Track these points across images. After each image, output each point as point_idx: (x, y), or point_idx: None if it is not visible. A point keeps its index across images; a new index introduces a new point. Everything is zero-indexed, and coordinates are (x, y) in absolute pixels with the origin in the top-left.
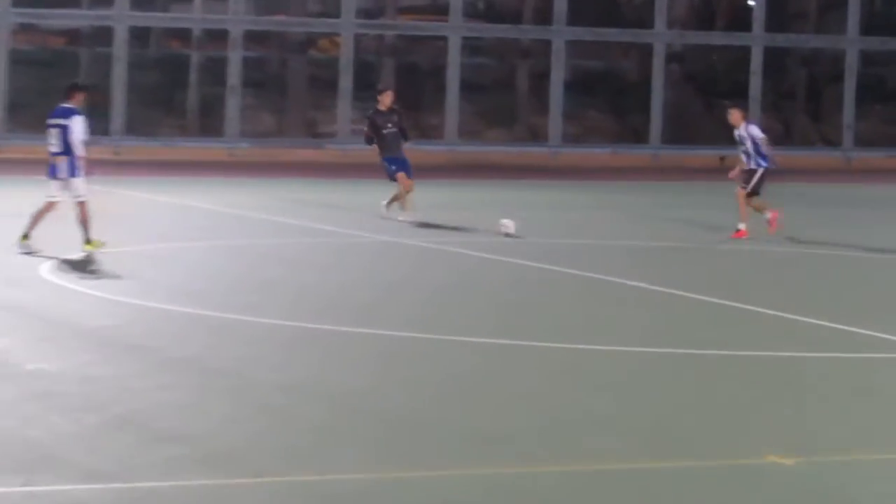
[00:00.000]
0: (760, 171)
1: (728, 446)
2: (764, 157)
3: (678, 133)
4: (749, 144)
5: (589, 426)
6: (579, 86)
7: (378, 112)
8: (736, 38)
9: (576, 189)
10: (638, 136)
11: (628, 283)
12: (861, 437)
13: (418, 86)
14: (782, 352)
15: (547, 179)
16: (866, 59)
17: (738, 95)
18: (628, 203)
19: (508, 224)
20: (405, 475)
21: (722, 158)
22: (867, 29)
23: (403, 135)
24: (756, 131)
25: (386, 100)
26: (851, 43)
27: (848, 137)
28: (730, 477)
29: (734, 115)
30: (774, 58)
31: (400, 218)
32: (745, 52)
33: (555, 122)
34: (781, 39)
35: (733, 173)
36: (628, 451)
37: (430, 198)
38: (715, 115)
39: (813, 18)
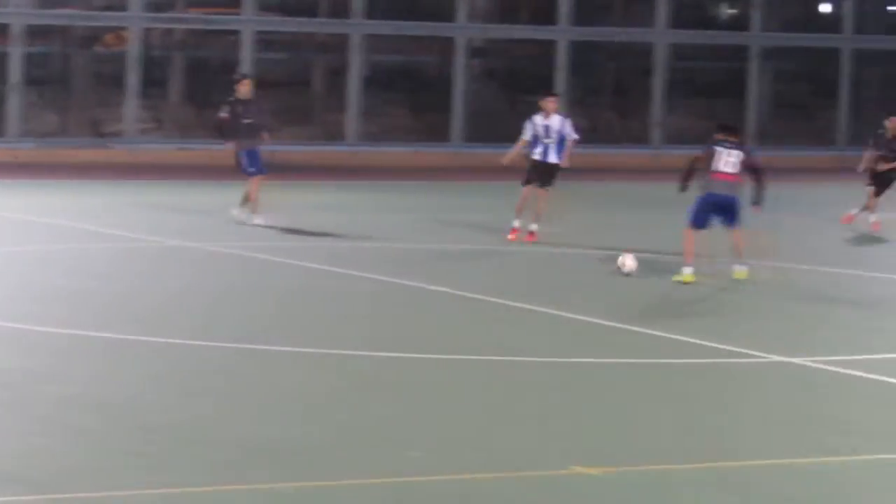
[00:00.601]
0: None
1: (533, 457)
2: (561, 154)
3: (481, 130)
4: (555, 138)
5: (387, 437)
6: (378, 82)
7: (238, 101)
8: (541, 32)
9: (375, 189)
10: (439, 133)
11: (428, 287)
12: (667, 446)
13: (209, 82)
14: (586, 358)
15: (344, 180)
16: (676, 53)
17: (544, 91)
18: (428, 204)
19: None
20: (180, 491)
21: (525, 156)
22: (676, 22)
23: (263, 127)
24: (570, 129)
25: (243, 89)
26: (660, 36)
27: (657, 134)
28: (535, 489)
29: (553, 104)
30: (581, 52)
31: (254, 221)
32: (550, 46)
33: (352, 119)
34: (588, 33)
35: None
36: (429, 464)
37: (217, 200)
38: (519, 112)
39: (620, 11)
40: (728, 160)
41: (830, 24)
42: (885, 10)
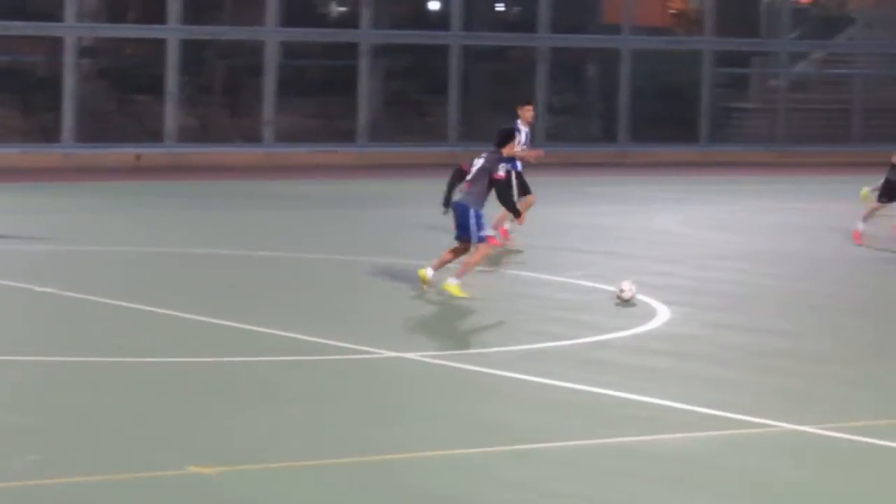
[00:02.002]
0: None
1: (148, 458)
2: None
3: (92, 131)
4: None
5: (2, 440)
6: None
7: None
8: (151, 31)
9: None
10: (49, 134)
11: (35, 288)
12: (282, 443)
13: None
14: (202, 357)
15: None
16: (287, 51)
17: (155, 90)
18: (37, 205)
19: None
20: None
21: (138, 157)
22: (287, 20)
23: None
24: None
25: None
26: (271, 34)
27: (268, 132)
28: (150, 490)
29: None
30: (191, 51)
31: None
32: (160, 45)
33: None
34: (198, 31)
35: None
36: (44, 468)
37: None
38: (129, 112)
39: (231, 10)
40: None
41: (440, 20)
42: (493, 7)
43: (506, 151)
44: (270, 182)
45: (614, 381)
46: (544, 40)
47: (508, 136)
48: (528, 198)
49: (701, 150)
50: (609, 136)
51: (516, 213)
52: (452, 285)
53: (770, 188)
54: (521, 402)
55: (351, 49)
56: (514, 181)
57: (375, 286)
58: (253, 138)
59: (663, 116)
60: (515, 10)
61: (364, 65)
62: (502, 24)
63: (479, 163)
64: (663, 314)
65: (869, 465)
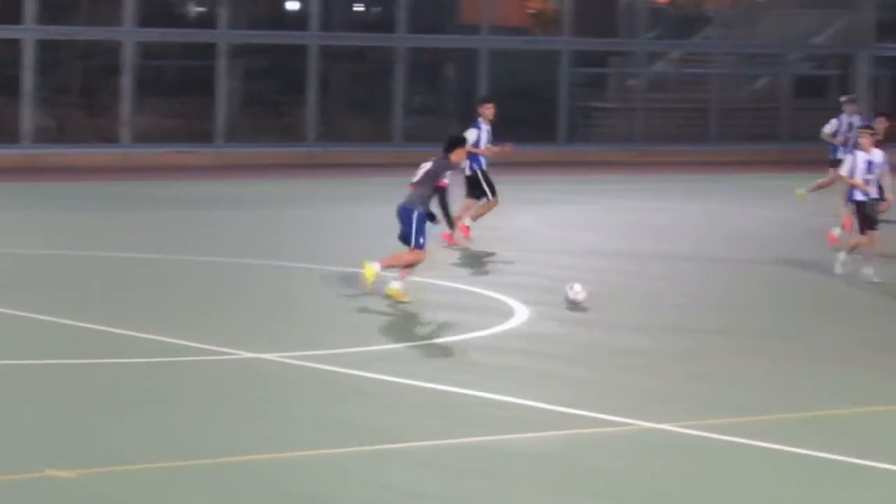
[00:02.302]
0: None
1: (5, 461)
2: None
3: None
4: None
5: None
6: None
7: None
8: (7, 32)
9: None
10: None
11: None
12: (142, 445)
13: None
14: (61, 359)
15: None
16: (144, 51)
17: (11, 91)
18: None
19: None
20: None
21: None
22: (144, 20)
23: None
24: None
25: None
26: (128, 35)
27: (126, 133)
28: (7, 493)
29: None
30: (48, 51)
31: None
32: (16, 45)
33: None
34: (54, 31)
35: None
36: None
37: None
38: None
39: (87, 10)
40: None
41: (298, 21)
42: (351, 7)
43: (454, 158)
44: (128, 183)
45: (474, 381)
46: (403, 40)
47: (455, 142)
48: (493, 199)
49: (559, 150)
50: None
51: (450, 225)
52: (394, 289)
53: (628, 187)
54: (380, 401)
55: (209, 49)
56: (482, 178)
57: (235, 287)
58: (110, 139)
59: (522, 116)
60: (374, 10)
61: (222, 65)
62: (361, 24)
63: (425, 167)
64: (522, 313)
65: (727, 462)
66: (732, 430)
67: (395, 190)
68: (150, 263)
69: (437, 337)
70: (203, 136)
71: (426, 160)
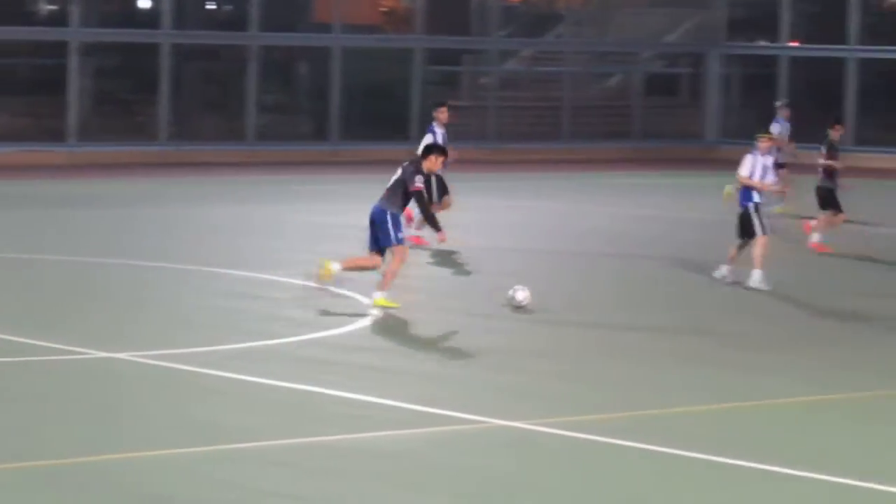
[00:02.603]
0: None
1: None
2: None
3: None
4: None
5: None
6: None
7: None
8: None
9: None
10: None
11: None
12: None
13: None
14: None
15: None
16: None
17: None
18: None
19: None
20: None
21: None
22: None
23: None
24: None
25: None
26: None
27: None
28: None
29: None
30: None
31: None
32: None
33: None
34: None
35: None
36: None
37: None
38: None
39: None
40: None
41: (150, 19)
42: (204, 5)
43: (426, 165)
44: None
45: (329, 380)
46: (255, 39)
47: (430, 150)
48: (446, 199)
49: (412, 148)
50: (320, 134)
51: (436, 228)
52: (380, 299)
53: (480, 186)
54: (233, 401)
55: (60, 48)
56: (434, 181)
57: (88, 287)
58: None
59: (375, 114)
60: (226, 8)
61: (74, 63)
62: (213, 22)
63: (397, 173)
64: (375, 311)
65: (582, 460)
66: (588, 427)
67: (248, 188)
68: (2, 263)
69: (292, 335)
70: (55, 135)
71: (401, 164)
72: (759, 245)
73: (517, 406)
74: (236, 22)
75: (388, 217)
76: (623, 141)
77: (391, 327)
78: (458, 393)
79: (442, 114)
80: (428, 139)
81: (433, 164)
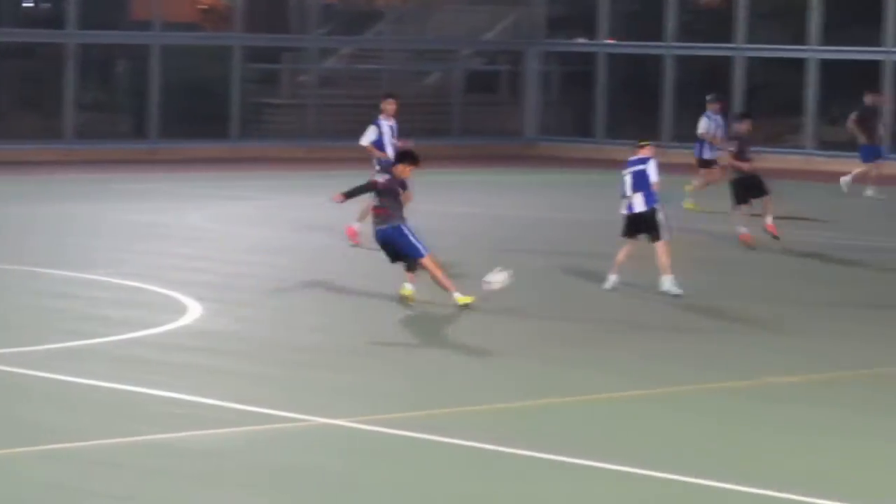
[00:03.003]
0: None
1: None
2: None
3: None
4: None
5: None
6: None
7: None
8: None
9: None
10: None
11: None
12: None
13: None
14: None
15: None
16: None
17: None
18: None
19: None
20: None
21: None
22: None
23: None
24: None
25: None
26: None
27: None
28: None
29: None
30: None
31: None
32: None
33: None
34: None
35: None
36: None
37: None
38: None
39: None
40: None
41: None
42: (20, 3)
43: (397, 171)
44: None
45: (149, 379)
46: (73, 37)
47: (401, 157)
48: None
49: (232, 146)
50: (140, 133)
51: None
52: (459, 298)
53: (301, 183)
54: (54, 401)
55: None
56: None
57: None
58: None
59: (194, 113)
60: (43, 6)
61: None
62: (29, 20)
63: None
64: (195, 310)
65: (399, 456)
66: (410, 424)
67: (66, 187)
68: None
69: (113, 335)
70: None
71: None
72: (662, 250)
73: (339, 404)
74: (54, 20)
75: (405, 230)
76: (443, 138)
77: (212, 326)
78: (280, 391)
79: (389, 105)
80: (372, 132)
81: (402, 171)
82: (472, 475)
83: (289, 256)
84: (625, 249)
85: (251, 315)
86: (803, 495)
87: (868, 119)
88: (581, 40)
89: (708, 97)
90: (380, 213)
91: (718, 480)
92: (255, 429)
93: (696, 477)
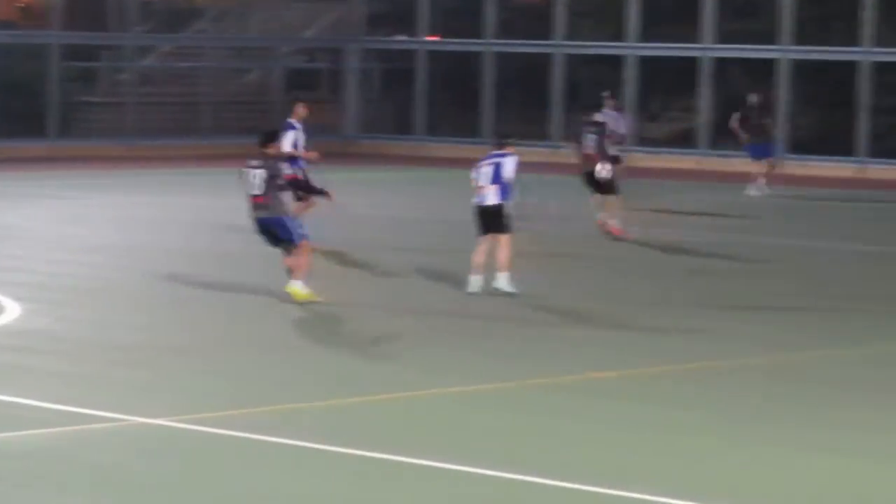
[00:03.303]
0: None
1: None
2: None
3: None
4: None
5: None
6: None
7: None
8: None
9: None
10: None
11: None
12: None
13: None
14: None
15: None
16: None
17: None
18: None
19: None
20: None
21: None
22: None
23: None
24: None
25: None
26: None
27: None
28: None
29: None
30: None
31: None
32: None
33: None
34: None
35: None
36: None
37: None
38: None
39: None
40: (253, 182)
41: None
42: None
43: (270, 151)
44: None
45: None
46: None
47: (270, 135)
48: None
49: (49, 145)
50: None
51: (325, 194)
52: (300, 291)
53: (119, 182)
54: None
55: None
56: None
57: None
58: None
59: (11, 111)
60: None
61: None
62: None
63: (259, 174)
64: (13, 310)
65: (216, 455)
66: (228, 423)
67: None
68: None
69: None
70: None
71: (249, 166)
72: (504, 245)
73: (156, 403)
74: None
75: (287, 221)
76: None
77: (30, 326)
78: (95, 391)
79: (301, 108)
80: (289, 136)
81: (278, 149)
82: (298, 475)
83: (108, 255)
84: (481, 248)
85: (70, 314)
86: (611, 488)
87: (750, 118)
88: (401, 37)
89: (604, 93)
90: (260, 204)
91: (528, 475)
92: (74, 429)
93: (511, 473)
